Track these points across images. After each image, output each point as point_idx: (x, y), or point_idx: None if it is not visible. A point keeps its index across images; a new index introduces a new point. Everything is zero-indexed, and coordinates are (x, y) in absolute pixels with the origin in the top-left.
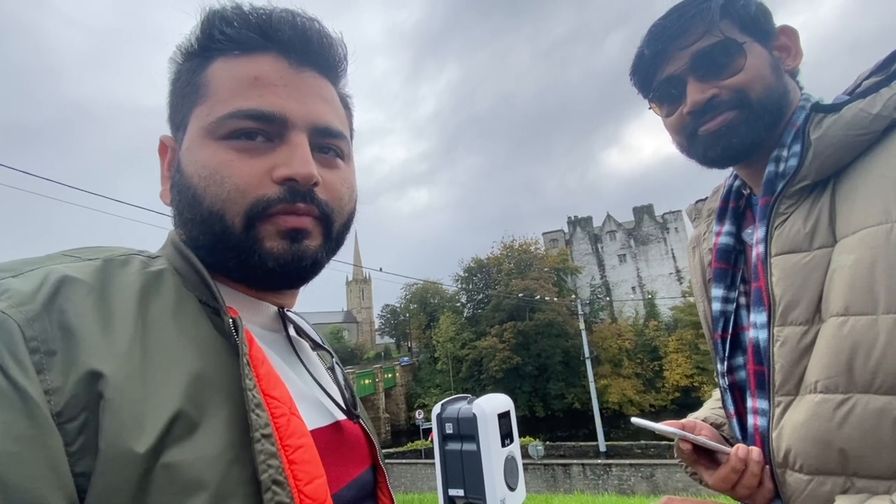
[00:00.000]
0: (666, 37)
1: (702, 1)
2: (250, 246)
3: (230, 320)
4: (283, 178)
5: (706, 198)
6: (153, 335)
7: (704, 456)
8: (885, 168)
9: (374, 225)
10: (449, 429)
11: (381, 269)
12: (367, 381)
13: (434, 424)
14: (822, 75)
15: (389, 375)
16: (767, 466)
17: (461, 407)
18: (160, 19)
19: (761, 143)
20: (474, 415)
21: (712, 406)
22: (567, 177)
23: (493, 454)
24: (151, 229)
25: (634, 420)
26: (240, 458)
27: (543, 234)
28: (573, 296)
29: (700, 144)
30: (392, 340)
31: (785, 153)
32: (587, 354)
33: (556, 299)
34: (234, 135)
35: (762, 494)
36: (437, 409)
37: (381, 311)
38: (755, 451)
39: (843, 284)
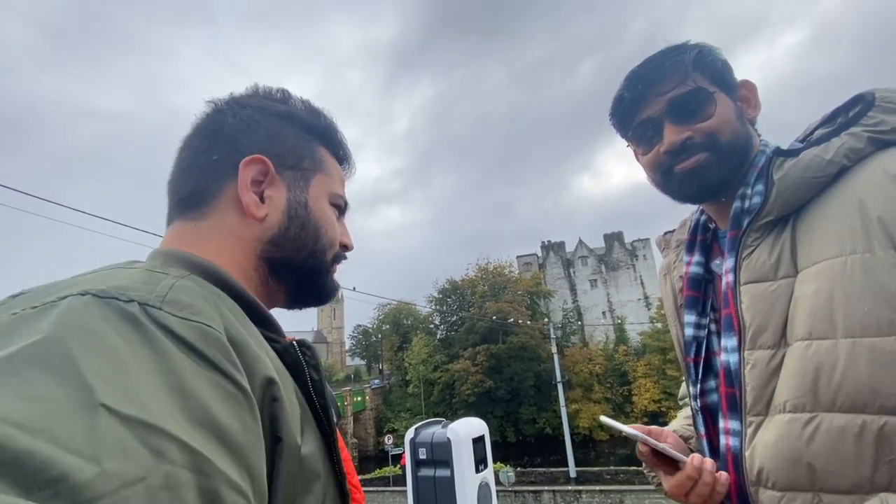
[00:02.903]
0: (644, 83)
1: (676, 54)
2: (328, 276)
3: (293, 342)
4: (345, 244)
5: (674, 230)
6: (267, 351)
7: (665, 462)
8: (838, 207)
9: None
10: (422, 454)
11: (354, 289)
12: None
13: (407, 449)
14: (778, 114)
15: (359, 398)
16: (732, 483)
17: (435, 431)
18: (124, 20)
19: (730, 183)
20: (449, 439)
21: (684, 419)
22: (541, 200)
23: (468, 480)
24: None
25: (603, 419)
26: (324, 455)
27: (518, 257)
28: (546, 319)
29: (676, 182)
30: (363, 362)
31: (749, 191)
32: (559, 378)
33: (529, 322)
34: (335, 206)
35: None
36: (410, 433)
37: (353, 332)
38: (709, 462)
39: (806, 311)
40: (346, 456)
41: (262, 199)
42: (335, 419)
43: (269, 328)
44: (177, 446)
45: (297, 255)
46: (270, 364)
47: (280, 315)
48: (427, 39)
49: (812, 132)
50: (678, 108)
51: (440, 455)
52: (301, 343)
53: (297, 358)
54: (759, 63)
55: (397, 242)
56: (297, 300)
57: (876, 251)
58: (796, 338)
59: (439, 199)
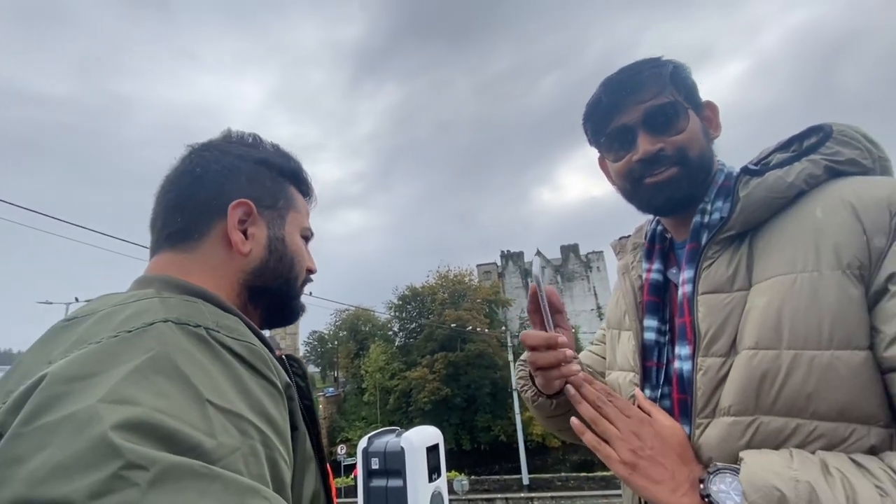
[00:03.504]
0: (623, 90)
1: (654, 66)
2: (297, 299)
3: (283, 357)
4: (311, 269)
5: (629, 235)
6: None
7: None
8: (794, 228)
9: None
10: (375, 464)
11: (310, 294)
12: None
13: (359, 459)
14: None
15: None
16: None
17: (389, 440)
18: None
19: (695, 198)
20: (402, 448)
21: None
22: (502, 210)
23: (420, 490)
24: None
25: (549, 328)
26: (312, 445)
27: (478, 265)
28: (503, 328)
29: (645, 193)
30: (317, 369)
31: (709, 207)
32: (515, 386)
33: (487, 331)
34: (303, 237)
35: (553, 378)
36: (363, 442)
37: (308, 338)
38: (563, 338)
39: (755, 322)
40: (321, 449)
41: (246, 236)
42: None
43: (265, 345)
44: (253, 428)
45: (274, 283)
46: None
47: None
48: (393, 43)
49: (768, 156)
50: (654, 118)
51: (393, 465)
52: (290, 357)
53: (287, 368)
54: (707, 91)
55: (357, 247)
56: (271, 321)
57: (823, 271)
58: (744, 346)
59: (402, 205)
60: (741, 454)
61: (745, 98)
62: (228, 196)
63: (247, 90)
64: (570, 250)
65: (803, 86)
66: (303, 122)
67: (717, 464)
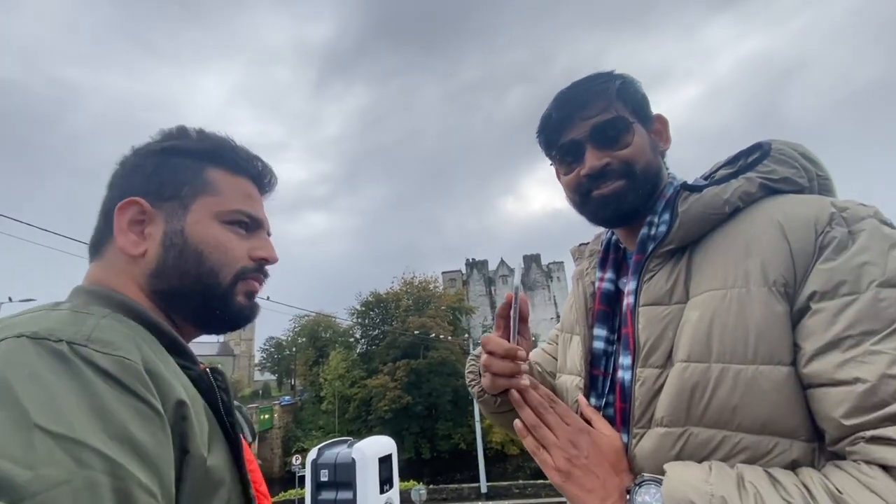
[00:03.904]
0: (571, 106)
1: (603, 81)
2: (229, 298)
3: (206, 369)
4: (259, 257)
5: (588, 242)
6: (180, 378)
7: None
8: (728, 244)
9: None
10: (324, 475)
11: (268, 298)
12: None
13: (308, 471)
14: (677, 155)
15: (266, 416)
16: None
17: (340, 451)
18: None
19: (641, 211)
20: (353, 459)
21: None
22: (467, 218)
23: (370, 502)
24: None
25: (512, 338)
26: (231, 465)
27: (443, 272)
28: (467, 335)
29: (592, 205)
30: (274, 377)
31: (656, 220)
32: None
33: (450, 338)
34: (233, 223)
35: (501, 385)
36: (313, 453)
37: (265, 344)
38: (522, 352)
39: (688, 336)
40: (255, 467)
41: (145, 236)
42: (251, 437)
43: (183, 357)
44: (96, 456)
45: (183, 284)
46: (182, 389)
47: None
48: (363, 45)
49: (717, 171)
50: (600, 134)
51: (343, 476)
52: (213, 370)
53: (209, 383)
54: (664, 111)
55: (320, 251)
56: (204, 326)
57: (751, 288)
58: (678, 359)
59: (368, 209)
60: (665, 466)
61: (698, 119)
62: (124, 197)
63: (208, 85)
64: (532, 260)
65: (752, 110)
66: (266, 121)
67: (644, 475)
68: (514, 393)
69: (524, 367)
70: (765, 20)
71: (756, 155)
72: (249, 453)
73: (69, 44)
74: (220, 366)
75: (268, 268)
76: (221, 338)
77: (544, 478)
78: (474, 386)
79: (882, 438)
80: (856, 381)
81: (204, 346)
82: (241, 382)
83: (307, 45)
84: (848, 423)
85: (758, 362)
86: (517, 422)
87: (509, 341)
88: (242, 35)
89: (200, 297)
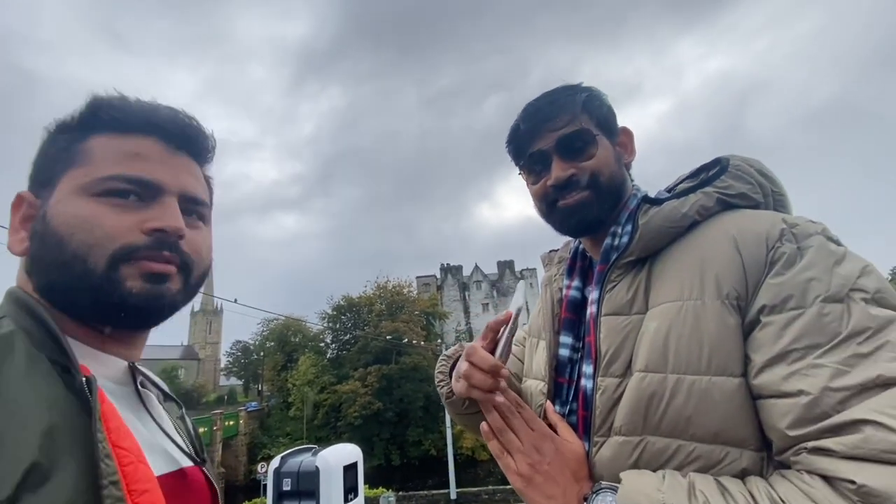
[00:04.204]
0: (539, 118)
1: (569, 94)
2: (112, 285)
3: (83, 379)
4: (152, 228)
5: (558, 248)
6: (8, 396)
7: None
8: (685, 257)
9: (231, 249)
10: (287, 485)
11: (235, 301)
12: (202, 430)
13: (270, 480)
14: (645, 168)
15: (231, 423)
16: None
17: (303, 460)
18: None
19: (605, 222)
20: (317, 468)
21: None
22: (443, 223)
23: None
24: None
25: (500, 349)
26: (92, 487)
27: (417, 277)
28: (440, 340)
29: (559, 215)
30: (240, 382)
31: (620, 230)
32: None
33: (423, 343)
34: (108, 193)
35: (474, 396)
36: (275, 462)
37: (231, 348)
38: (505, 371)
39: (646, 346)
40: (151, 487)
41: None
42: (199, 453)
43: (69, 362)
44: None
45: (52, 276)
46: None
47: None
48: (340, 46)
49: (679, 184)
50: (565, 146)
51: (306, 485)
52: (89, 381)
53: (86, 398)
54: (633, 124)
55: (292, 253)
56: (98, 322)
57: (706, 300)
58: (636, 369)
59: (341, 212)
60: (621, 475)
61: (666, 133)
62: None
63: (178, 78)
64: (506, 266)
65: (717, 126)
66: (238, 118)
67: (602, 483)
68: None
69: (503, 384)
70: (730, 40)
71: (715, 170)
72: (190, 478)
73: (31, 29)
74: (182, 370)
75: (249, 269)
76: (185, 340)
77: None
78: (443, 387)
79: (822, 449)
80: (800, 393)
81: (167, 349)
82: (205, 387)
83: (283, 43)
84: (792, 433)
85: (711, 373)
86: (483, 424)
87: (494, 356)
88: (216, 30)
89: (72, 289)
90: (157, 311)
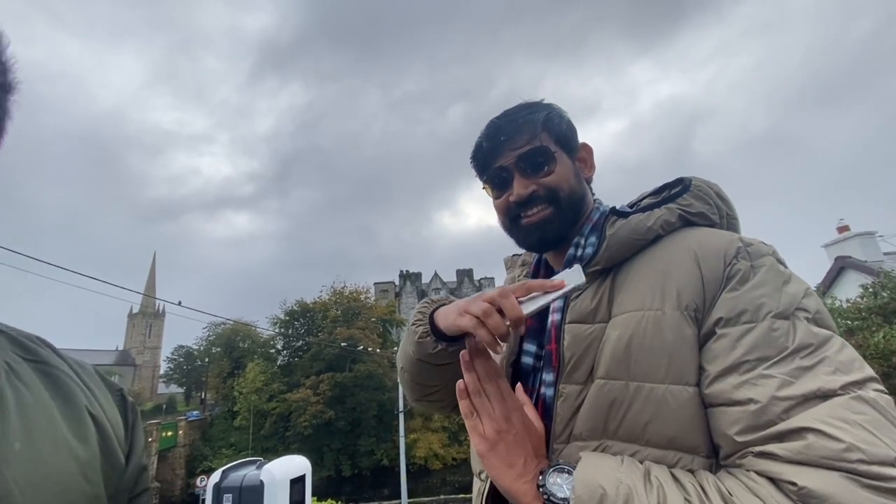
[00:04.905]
0: (500, 135)
1: (529, 112)
2: None
3: None
4: None
5: (521, 254)
6: None
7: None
8: (648, 268)
9: (176, 247)
10: (228, 500)
11: (179, 303)
12: None
13: (209, 496)
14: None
15: (169, 433)
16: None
17: (247, 474)
18: None
19: (566, 237)
20: (261, 482)
21: None
22: (403, 230)
23: None
24: None
25: (526, 311)
26: None
27: (375, 283)
28: (396, 348)
29: (521, 231)
30: (181, 390)
31: (583, 241)
32: (401, 408)
33: (379, 350)
34: None
35: (479, 331)
36: (215, 476)
37: (172, 354)
38: (522, 330)
39: (608, 354)
40: None
41: None
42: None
43: None
44: None
45: None
46: None
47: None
48: (304, 41)
49: (642, 200)
50: (525, 163)
51: (249, 501)
52: None
53: None
54: (591, 141)
55: (243, 254)
56: None
57: (666, 310)
58: (598, 376)
59: (297, 214)
60: (581, 454)
61: (620, 152)
62: None
63: (123, 63)
64: (465, 274)
65: (666, 147)
66: (189, 109)
67: (560, 461)
68: (466, 354)
69: (503, 347)
70: (680, 67)
71: (678, 189)
72: None
73: None
74: (117, 377)
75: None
76: (120, 345)
77: (466, 492)
78: (419, 326)
79: (767, 454)
80: (749, 401)
81: (100, 354)
82: (142, 395)
83: (241, 34)
84: (740, 439)
85: (668, 381)
86: (460, 382)
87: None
88: (168, 15)
89: None
90: None
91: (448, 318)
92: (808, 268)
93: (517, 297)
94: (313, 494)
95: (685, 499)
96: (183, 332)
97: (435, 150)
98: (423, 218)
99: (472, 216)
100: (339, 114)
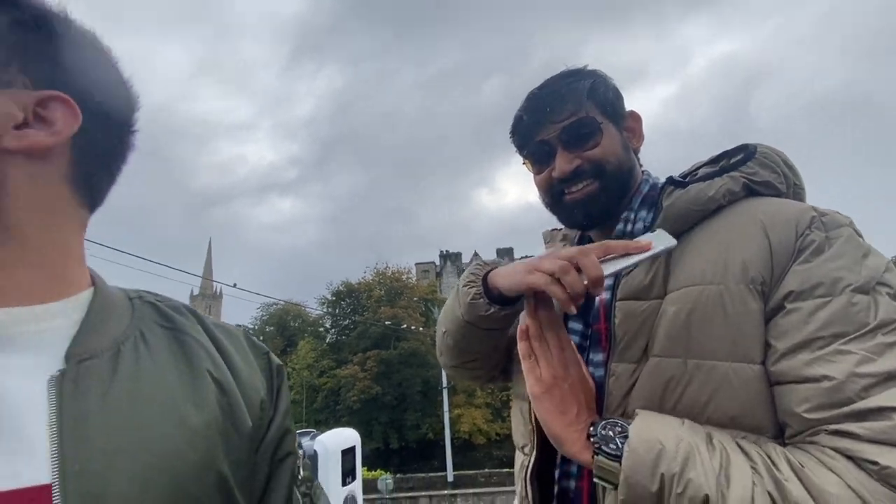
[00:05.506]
0: (541, 107)
1: (571, 82)
2: None
3: None
4: None
5: (561, 228)
6: None
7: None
8: (709, 240)
9: (228, 233)
10: None
11: (234, 285)
12: None
13: None
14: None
15: None
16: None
17: (301, 444)
18: None
19: (614, 213)
20: (315, 452)
21: None
22: (441, 209)
23: (332, 494)
24: None
25: (606, 272)
26: None
27: (416, 264)
28: None
29: (564, 209)
30: None
31: (633, 216)
32: (445, 384)
33: (422, 329)
34: None
35: (552, 288)
36: None
37: None
38: (600, 291)
39: (664, 331)
40: None
41: None
42: None
43: None
44: None
45: None
46: None
47: None
48: (337, 22)
49: (697, 169)
50: (569, 136)
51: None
52: None
53: None
54: (638, 108)
55: (289, 238)
56: None
57: (729, 284)
58: (653, 354)
59: (339, 196)
60: (637, 410)
61: (671, 119)
62: None
63: (170, 57)
64: (505, 253)
65: (720, 113)
66: (233, 98)
67: (615, 417)
68: (532, 300)
69: (578, 304)
70: (738, 23)
71: (740, 156)
72: None
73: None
74: None
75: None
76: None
77: (510, 466)
78: (472, 287)
79: (844, 433)
80: (822, 378)
81: None
82: None
83: (278, 19)
84: (811, 416)
85: (731, 359)
86: (522, 324)
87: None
88: (206, 5)
89: None
90: None
91: (513, 276)
92: (887, 242)
93: (599, 256)
94: (363, 465)
95: (751, 466)
96: (238, 312)
97: (470, 128)
98: (460, 196)
99: (510, 193)
100: (375, 95)
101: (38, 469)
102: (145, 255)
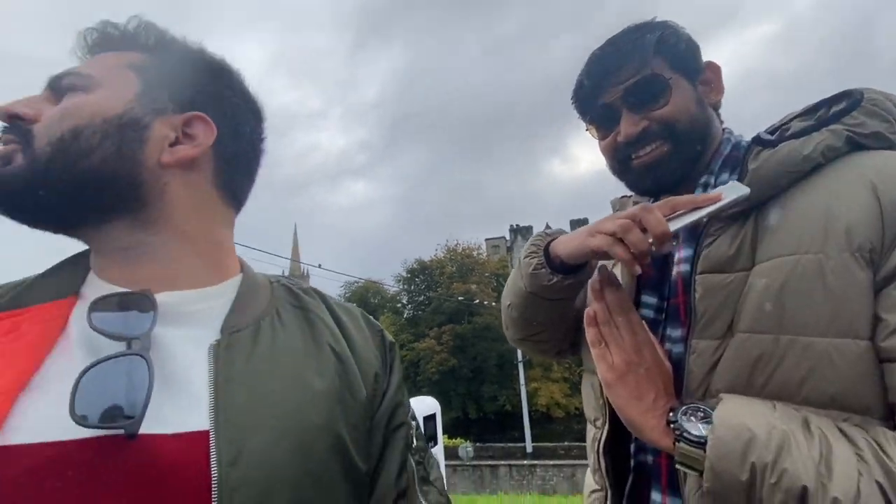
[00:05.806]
0: (602, 69)
1: (636, 38)
2: None
3: None
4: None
5: (631, 195)
6: None
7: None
8: (805, 205)
9: (310, 218)
10: None
11: (319, 266)
12: None
13: None
14: (743, 106)
15: None
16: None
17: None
18: None
19: (688, 176)
20: None
21: None
22: (510, 182)
23: None
24: None
25: (673, 228)
26: None
27: (486, 239)
28: None
29: (633, 174)
30: None
31: (713, 180)
32: (520, 358)
33: (494, 304)
34: None
35: (615, 249)
36: None
37: None
38: (669, 248)
39: (753, 305)
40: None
41: None
42: None
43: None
44: None
45: None
46: None
47: None
48: (396, 2)
49: (789, 122)
50: (634, 97)
51: None
52: None
53: None
54: (728, 54)
55: (364, 219)
56: None
57: (830, 253)
58: (740, 329)
59: (408, 176)
60: (721, 395)
61: (771, 63)
62: None
63: (248, 54)
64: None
65: (834, 50)
66: (304, 88)
67: (697, 401)
68: (597, 284)
69: (648, 261)
70: None
71: (842, 105)
72: (118, 455)
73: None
74: None
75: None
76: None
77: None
78: (534, 258)
79: None
80: None
81: None
82: None
83: (341, 7)
84: None
85: (832, 335)
86: (589, 310)
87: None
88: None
89: None
90: (8, 197)
91: (573, 241)
92: None
93: (665, 214)
94: (443, 433)
95: (856, 453)
96: (324, 290)
97: (540, 94)
98: (530, 168)
99: (583, 161)
100: (438, 70)
101: (200, 417)
102: (242, 243)
